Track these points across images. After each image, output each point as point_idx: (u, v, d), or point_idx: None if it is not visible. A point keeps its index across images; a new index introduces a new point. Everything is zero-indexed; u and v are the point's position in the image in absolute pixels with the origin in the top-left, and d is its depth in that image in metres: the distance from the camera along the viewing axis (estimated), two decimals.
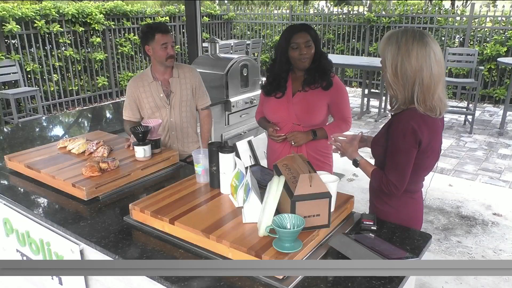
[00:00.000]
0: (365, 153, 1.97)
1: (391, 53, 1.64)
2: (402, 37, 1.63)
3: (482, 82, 7.76)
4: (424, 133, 1.64)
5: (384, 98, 6.94)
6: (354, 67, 8.52)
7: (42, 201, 2.00)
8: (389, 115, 1.83)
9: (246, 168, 1.75)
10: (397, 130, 1.67)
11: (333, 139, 1.98)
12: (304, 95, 2.37)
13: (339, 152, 1.96)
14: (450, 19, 8.27)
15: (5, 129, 3.44)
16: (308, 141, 2.40)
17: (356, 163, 1.87)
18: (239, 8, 11.69)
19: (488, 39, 7.86)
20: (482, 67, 6.94)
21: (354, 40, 9.37)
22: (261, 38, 10.48)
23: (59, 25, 7.33)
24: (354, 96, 8.52)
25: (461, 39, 8.32)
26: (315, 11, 10.31)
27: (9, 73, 6.63)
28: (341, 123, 2.44)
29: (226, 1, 14.97)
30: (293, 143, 2.40)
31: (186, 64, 3.05)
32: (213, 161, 1.86)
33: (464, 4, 15.25)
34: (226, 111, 4.02)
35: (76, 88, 7.83)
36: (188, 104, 2.77)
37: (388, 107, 7.29)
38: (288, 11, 10.48)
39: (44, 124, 3.67)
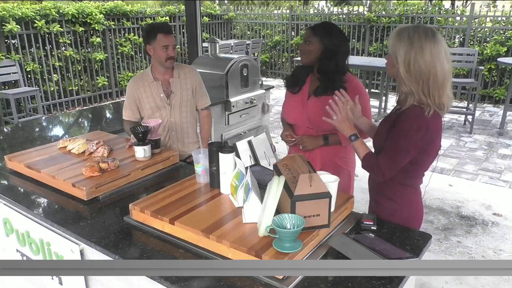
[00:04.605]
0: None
1: (404, 48, 1.64)
2: (415, 33, 1.64)
3: (482, 82, 7.76)
4: (429, 131, 1.67)
5: (384, 98, 6.94)
6: (354, 67, 8.47)
7: (42, 201, 2.00)
8: (395, 111, 1.82)
9: (246, 168, 1.75)
10: (404, 124, 1.68)
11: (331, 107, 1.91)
12: (317, 100, 2.32)
13: (334, 118, 1.89)
14: (450, 19, 8.27)
15: (5, 129, 3.43)
16: (317, 146, 2.35)
17: (351, 140, 1.85)
18: (239, 8, 11.69)
19: (488, 39, 7.85)
20: (482, 67, 6.94)
21: (354, 40, 9.36)
22: (261, 38, 10.49)
23: (59, 25, 7.33)
24: None
25: (461, 39, 8.32)
26: (315, 11, 10.31)
27: (9, 73, 6.63)
28: None
29: (226, 1, 14.97)
30: (301, 147, 2.38)
31: (186, 64, 3.05)
32: (213, 161, 1.86)
33: (464, 4, 15.26)
34: (226, 111, 4.02)
35: (76, 88, 7.83)
36: (188, 105, 2.77)
37: (389, 106, 7.24)
38: (288, 11, 10.48)
39: (44, 124, 3.67)
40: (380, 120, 2.02)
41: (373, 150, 1.87)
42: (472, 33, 8.02)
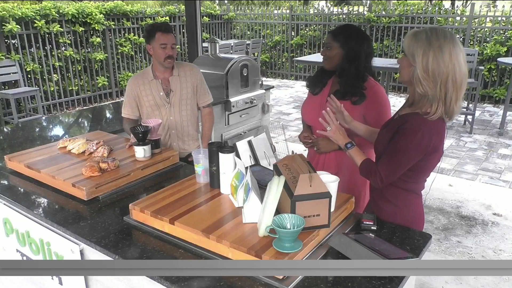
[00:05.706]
0: None
1: (422, 48, 1.58)
2: (432, 34, 1.59)
3: (482, 82, 7.76)
4: (433, 138, 1.64)
5: None
6: None
7: (42, 201, 2.00)
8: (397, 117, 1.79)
9: (246, 168, 1.75)
10: (408, 131, 1.65)
11: (328, 111, 1.91)
12: None
13: (328, 129, 1.91)
14: (450, 19, 8.27)
15: (5, 129, 3.43)
16: (332, 150, 2.32)
17: (347, 148, 1.85)
18: (239, 8, 11.69)
19: (488, 39, 7.86)
20: (482, 67, 6.94)
21: None
22: (261, 38, 10.49)
23: (59, 25, 7.33)
24: None
25: (461, 39, 8.31)
26: (315, 11, 10.31)
27: (9, 73, 6.63)
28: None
29: (226, 1, 14.97)
30: (315, 149, 2.37)
31: (187, 62, 3.05)
32: (213, 161, 1.86)
33: (464, 4, 15.26)
34: (226, 111, 4.02)
35: (76, 88, 7.83)
36: (188, 103, 2.77)
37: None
38: (288, 11, 10.48)
39: (44, 124, 3.67)
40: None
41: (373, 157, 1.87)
42: (472, 33, 8.02)
